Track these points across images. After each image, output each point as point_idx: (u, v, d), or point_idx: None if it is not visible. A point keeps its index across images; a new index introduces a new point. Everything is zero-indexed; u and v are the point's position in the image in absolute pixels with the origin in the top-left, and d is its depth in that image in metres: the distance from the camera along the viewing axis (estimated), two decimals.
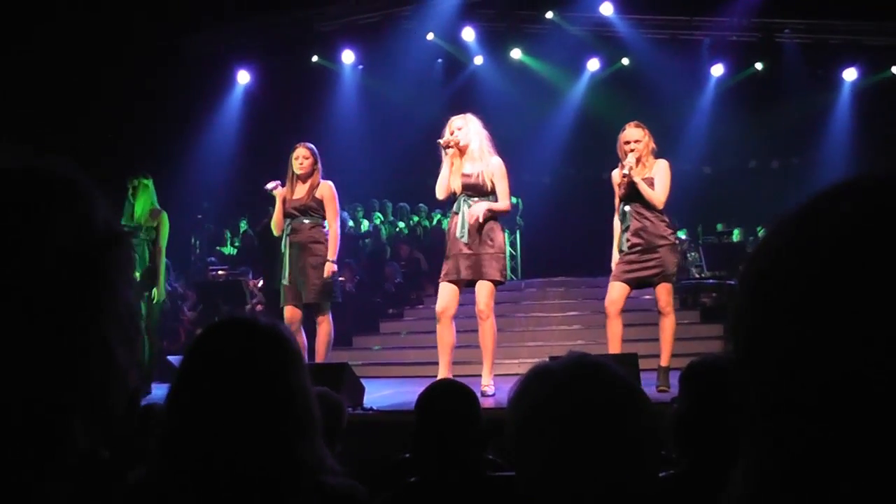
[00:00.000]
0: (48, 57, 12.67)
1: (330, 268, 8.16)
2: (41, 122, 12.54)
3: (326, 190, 8.23)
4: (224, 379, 1.84)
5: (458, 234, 7.58)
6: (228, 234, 16.07)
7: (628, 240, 7.59)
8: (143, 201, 9.19)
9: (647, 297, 7.92)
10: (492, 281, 7.61)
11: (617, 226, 7.82)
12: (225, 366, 1.86)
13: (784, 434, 0.78)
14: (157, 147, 14.24)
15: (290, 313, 8.15)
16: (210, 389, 1.84)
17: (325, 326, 8.13)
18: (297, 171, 8.20)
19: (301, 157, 8.20)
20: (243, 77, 17.05)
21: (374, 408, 6.95)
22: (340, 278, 13.27)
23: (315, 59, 17.25)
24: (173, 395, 1.89)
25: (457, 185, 7.65)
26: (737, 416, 0.83)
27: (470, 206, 7.57)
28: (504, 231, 8.05)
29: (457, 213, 7.68)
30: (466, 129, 7.68)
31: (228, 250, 15.68)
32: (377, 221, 16.56)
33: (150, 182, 9.30)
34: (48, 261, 0.90)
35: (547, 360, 7.22)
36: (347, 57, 17.22)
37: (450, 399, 3.23)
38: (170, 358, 10.52)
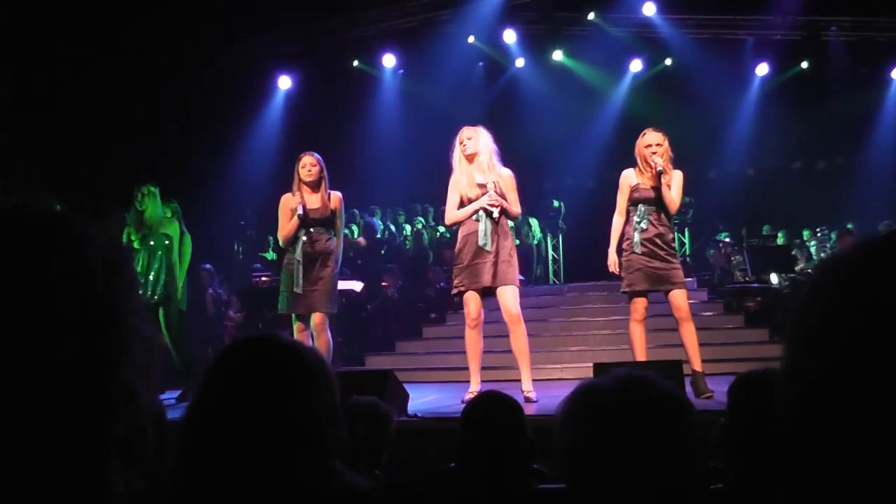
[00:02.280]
0: (91, 63, 12.80)
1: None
2: (83, 128, 12.67)
3: (338, 202, 8.28)
4: (237, 398, 1.84)
5: (480, 242, 7.62)
6: (271, 240, 16.13)
7: (642, 243, 7.63)
8: (153, 209, 9.24)
9: (691, 301, 7.89)
10: (513, 285, 7.69)
11: (618, 224, 7.88)
12: (239, 385, 1.86)
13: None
14: (199, 153, 14.36)
15: (301, 327, 8.13)
16: (223, 408, 1.84)
17: (324, 337, 8.02)
18: (305, 179, 8.18)
19: (308, 165, 8.21)
20: (284, 83, 17.17)
21: (419, 414, 6.92)
22: (383, 283, 13.34)
23: (356, 63, 17.36)
24: (189, 413, 1.89)
25: (474, 195, 7.73)
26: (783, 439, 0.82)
27: (489, 214, 7.63)
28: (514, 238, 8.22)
29: (477, 221, 7.70)
30: (476, 140, 7.83)
31: (271, 256, 15.75)
32: (419, 226, 16.57)
33: (157, 191, 9.36)
34: (56, 314, 0.89)
35: (590, 365, 7.16)
36: (388, 61, 17.30)
37: (496, 411, 3.22)
38: None
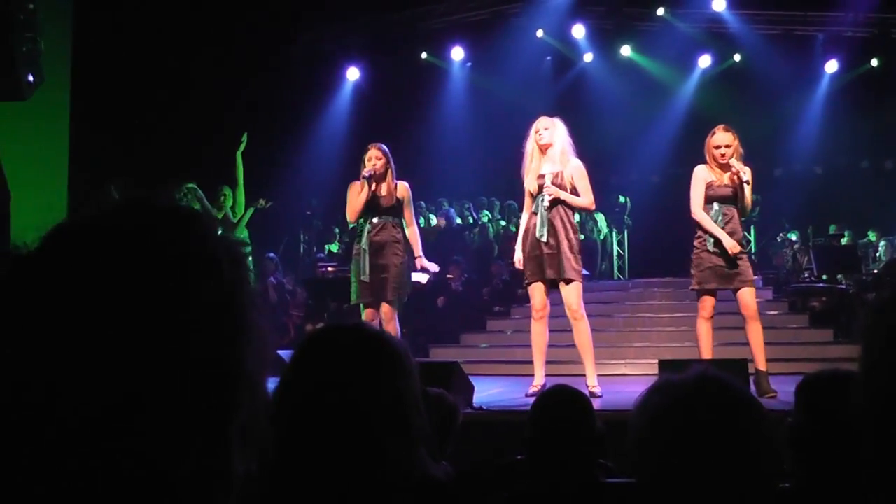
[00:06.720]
0: (160, 53, 12.94)
1: (422, 262, 8.23)
2: (150, 120, 12.83)
3: (405, 191, 8.19)
4: (327, 384, 1.87)
5: (537, 234, 7.62)
6: (337, 231, 16.23)
7: (716, 242, 7.58)
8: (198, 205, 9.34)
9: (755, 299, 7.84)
10: (575, 280, 7.64)
11: (706, 217, 7.72)
12: (330, 371, 1.89)
13: None
14: (267, 143, 14.50)
15: (371, 315, 8.11)
16: (313, 394, 1.87)
17: (392, 326, 7.90)
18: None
19: (374, 158, 8.12)
20: (353, 74, 17.27)
21: (484, 407, 6.97)
22: (449, 276, 13.38)
23: (424, 56, 17.40)
24: (279, 399, 1.89)
25: (533, 187, 7.74)
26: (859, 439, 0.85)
27: (548, 206, 7.62)
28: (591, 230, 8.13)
29: (535, 213, 7.71)
30: (553, 130, 7.78)
31: (336, 247, 15.86)
32: (485, 219, 16.58)
33: (194, 185, 9.44)
34: (190, 306, 0.94)
35: (654, 361, 7.17)
36: (456, 54, 17.34)
37: (567, 404, 3.26)
38: (279, 352, 10.72)
